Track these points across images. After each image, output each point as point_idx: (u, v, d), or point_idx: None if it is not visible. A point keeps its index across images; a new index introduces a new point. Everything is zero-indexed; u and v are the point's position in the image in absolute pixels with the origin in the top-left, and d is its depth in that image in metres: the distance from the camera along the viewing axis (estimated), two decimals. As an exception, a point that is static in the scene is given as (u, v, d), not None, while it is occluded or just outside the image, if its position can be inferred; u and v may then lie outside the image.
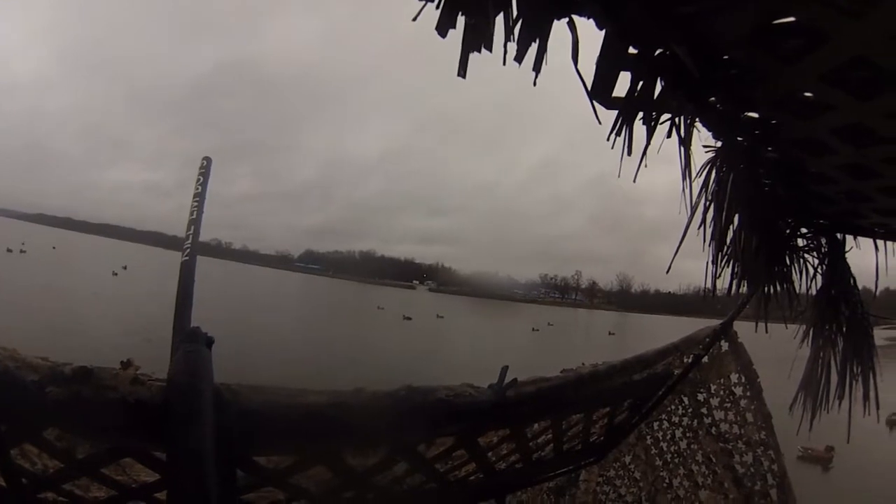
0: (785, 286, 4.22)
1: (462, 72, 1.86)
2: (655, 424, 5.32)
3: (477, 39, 1.84)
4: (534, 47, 1.87)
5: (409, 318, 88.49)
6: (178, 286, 1.89)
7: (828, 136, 2.32)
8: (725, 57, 1.96)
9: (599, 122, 2.00)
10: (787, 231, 4.06)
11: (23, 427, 1.98)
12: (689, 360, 4.76)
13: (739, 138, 2.71)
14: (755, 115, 2.42)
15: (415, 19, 1.77)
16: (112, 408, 1.88)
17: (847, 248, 4.19)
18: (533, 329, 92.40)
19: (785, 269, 4.19)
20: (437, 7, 1.78)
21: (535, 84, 1.93)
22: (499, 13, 1.80)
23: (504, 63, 1.86)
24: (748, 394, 4.78)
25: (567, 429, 4.09)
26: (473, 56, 1.90)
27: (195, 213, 2.06)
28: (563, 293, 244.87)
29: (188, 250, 1.98)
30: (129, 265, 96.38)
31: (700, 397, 4.98)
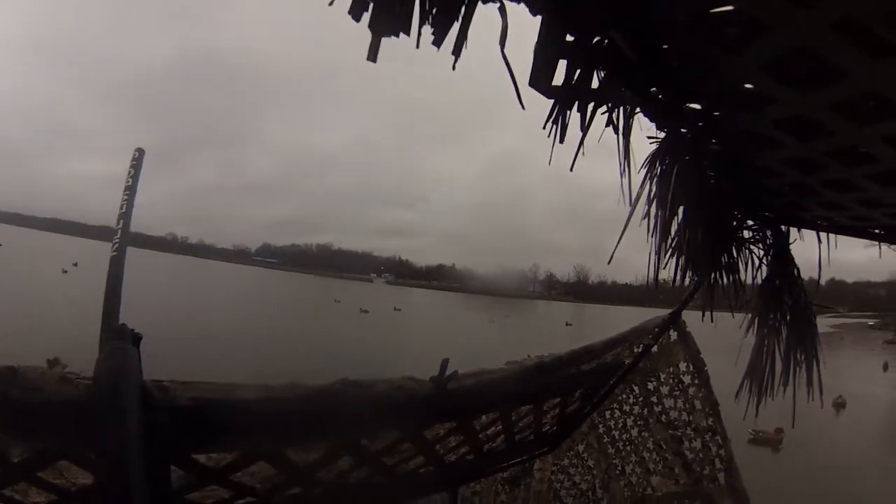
0: (731, 277, 4.31)
1: (372, 56, 1.77)
2: (607, 413, 5.40)
3: (389, 23, 1.76)
4: (454, 32, 1.80)
5: (367, 311, 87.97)
6: (107, 282, 1.82)
7: (771, 128, 2.33)
8: (665, 46, 1.93)
9: (523, 108, 1.94)
10: (734, 223, 4.14)
11: None
12: (639, 350, 4.84)
13: (683, 130, 2.70)
14: (698, 106, 2.40)
15: (331, 3, 1.71)
16: (39, 408, 1.83)
17: (791, 241, 4.29)
18: (490, 321, 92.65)
19: (731, 260, 4.27)
20: None
21: (454, 68, 1.85)
22: None
23: (417, 46, 1.78)
24: (696, 382, 4.88)
25: (517, 420, 4.11)
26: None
27: (125, 206, 1.99)
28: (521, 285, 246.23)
29: (117, 245, 1.92)
30: (80, 262, 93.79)
31: (650, 386, 5.07)
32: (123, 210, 1.93)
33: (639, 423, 5.21)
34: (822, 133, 2.27)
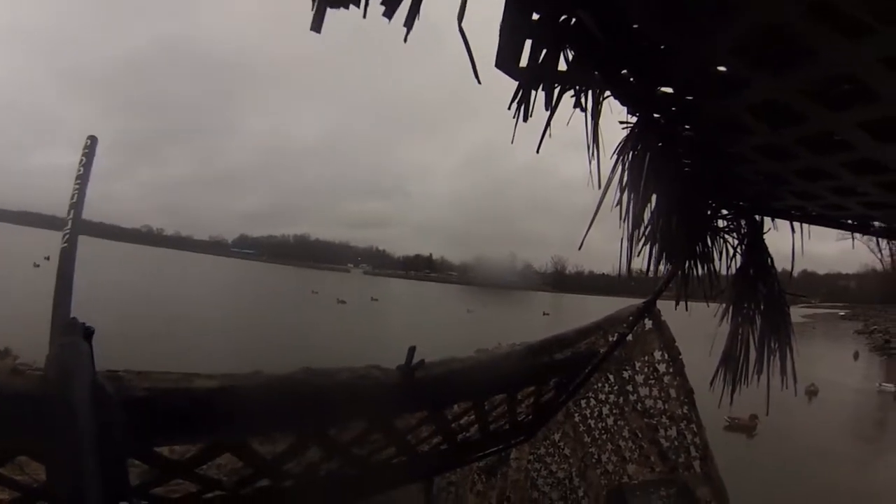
0: (705, 266, 4.31)
1: (316, 27, 1.69)
2: (583, 402, 5.41)
3: None
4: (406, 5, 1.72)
5: (344, 302, 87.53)
6: (57, 275, 1.73)
7: (743, 113, 2.29)
8: (635, 27, 1.89)
9: (479, 82, 1.87)
10: (708, 212, 4.14)
11: None
12: (614, 339, 4.84)
13: (655, 115, 2.67)
14: (670, 90, 2.36)
15: None
16: None
17: (766, 230, 4.30)
18: (468, 311, 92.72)
19: (705, 249, 4.28)
20: None
21: (405, 41, 1.77)
22: None
23: (364, 16, 1.70)
24: (671, 370, 4.89)
25: (491, 409, 4.13)
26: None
27: (76, 195, 1.90)
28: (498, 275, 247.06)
29: (67, 237, 1.83)
30: (52, 255, 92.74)
31: (625, 374, 5.08)
32: (74, 200, 1.84)
33: (614, 411, 5.23)
34: (795, 119, 2.24)
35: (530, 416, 4.83)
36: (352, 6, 1.72)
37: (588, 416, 5.41)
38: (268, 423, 2.59)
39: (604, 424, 5.32)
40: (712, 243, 4.33)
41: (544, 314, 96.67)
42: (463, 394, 3.56)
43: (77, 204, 1.81)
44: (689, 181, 3.50)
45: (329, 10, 1.71)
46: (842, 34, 1.60)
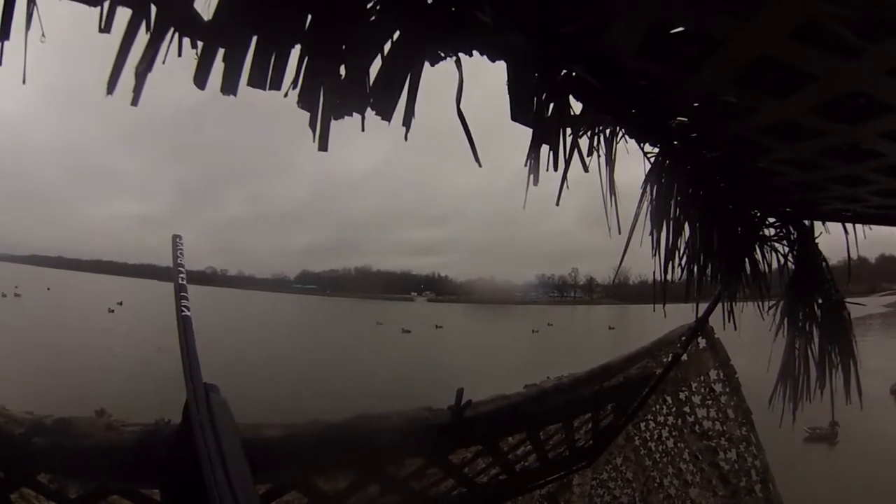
0: (756, 277, 4.20)
1: (323, 146, 1.80)
2: (642, 425, 5.32)
3: (342, 107, 1.79)
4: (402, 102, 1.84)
5: (408, 331, 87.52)
6: (182, 342, 1.88)
7: (758, 135, 2.32)
8: (629, 70, 1.95)
9: (480, 165, 2.01)
10: (753, 222, 4.04)
11: (17, 473, 2.24)
12: (668, 360, 4.76)
13: (675, 142, 2.71)
14: (684, 119, 2.42)
15: (286, 95, 1.74)
16: (90, 453, 2.13)
17: (817, 234, 4.17)
18: (533, 331, 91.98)
19: (755, 260, 4.17)
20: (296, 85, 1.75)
21: (405, 139, 1.89)
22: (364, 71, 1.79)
23: (363, 129, 1.82)
24: (727, 390, 4.80)
25: (547, 438, 4.14)
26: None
27: (183, 282, 2.10)
28: (562, 291, 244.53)
29: (186, 305, 2.01)
30: (124, 300, 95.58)
31: (682, 396, 4.98)
32: (181, 282, 2.06)
33: (673, 433, 5.12)
34: (814, 134, 2.26)
35: (590, 442, 4.80)
36: (356, 115, 1.82)
37: (648, 438, 5.31)
38: (327, 465, 2.84)
39: (664, 447, 5.21)
40: (762, 253, 4.20)
41: (610, 328, 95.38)
42: (514, 426, 3.64)
43: (183, 286, 2.02)
44: (726, 195, 3.49)
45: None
46: (836, 55, 1.65)
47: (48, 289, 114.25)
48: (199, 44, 1.61)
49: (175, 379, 1.85)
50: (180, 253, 2.37)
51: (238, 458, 1.55)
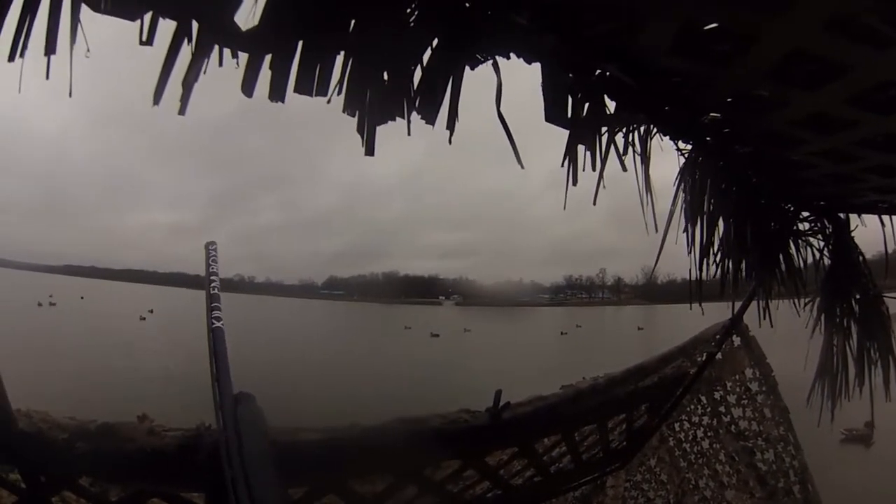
0: (791, 273, 4.12)
1: (370, 150, 1.85)
2: (676, 426, 5.25)
3: (383, 112, 1.83)
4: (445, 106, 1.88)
5: (437, 335, 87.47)
6: (213, 354, 1.96)
7: (791, 128, 2.31)
8: (663, 68, 1.95)
9: (522, 167, 2.09)
10: (787, 216, 3.97)
11: (59, 477, 2.33)
12: (703, 359, 4.70)
13: (707, 139, 2.71)
14: (717, 115, 2.42)
15: (329, 101, 1.78)
16: (132, 457, 2.21)
17: (853, 227, 4.09)
18: (561, 333, 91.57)
19: (789, 255, 4.09)
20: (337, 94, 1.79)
21: (449, 143, 1.93)
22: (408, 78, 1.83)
23: (409, 133, 1.85)
24: (764, 389, 4.73)
25: (582, 439, 4.14)
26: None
27: (215, 289, 2.20)
28: (590, 292, 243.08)
29: (217, 315, 2.07)
30: (155, 308, 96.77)
31: (717, 395, 4.91)
32: (214, 292, 2.15)
33: (709, 434, 5.04)
34: (846, 126, 2.25)
35: (624, 443, 4.75)
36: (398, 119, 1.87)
37: (683, 439, 5.24)
38: (365, 468, 2.86)
39: (699, 448, 5.14)
40: (796, 248, 4.12)
41: (639, 329, 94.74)
42: (551, 427, 3.65)
43: (216, 296, 2.10)
44: (759, 190, 3.46)
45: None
46: (869, 45, 1.65)
47: (82, 298, 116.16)
48: (240, 53, 1.65)
49: (209, 385, 1.88)
50: (213, 261, 2.45)
51: (265, 468, 1.58)
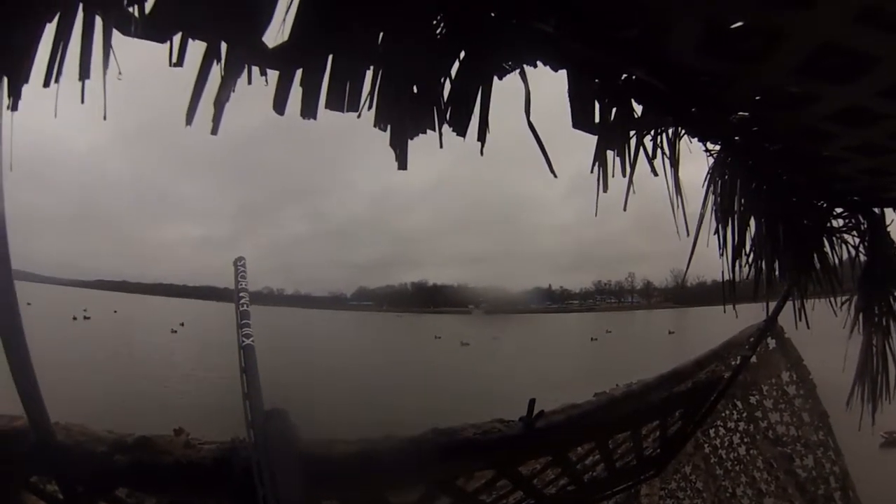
0: (826, 271, 4.02)
1: (403, 164, 1.86)
2: (711, 432, 5.14)
3: (413, 126, 1.85)
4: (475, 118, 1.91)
5: (467, 344, 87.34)
6: (245, 369, 2.06)
7: (823, 123, 2.27)
8: (691, 69, 1.96)
9: (555, 176, 2.12)
10: (820, 213, 3.87)
11: (96, 488, 2.37)
12: (737, 363, 4.58)
13: (735, 138, 2.68)
14: (745, 114, 2.40)
15: (359, 116, 1.80)
16: (169, 469, 2.29)
17: (889, 222, 3.97)
18: (591, 339, 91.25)
19: (823, 253, 3.99)
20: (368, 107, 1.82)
21: (481, 154, 1.94)
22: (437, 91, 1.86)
23: (441, 146, 1.86)
24: (801, 392, 4.62)
25: (615, 447, 4.07)
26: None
27: (244, 305, 2.29)
28: (619, 297, 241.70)
29: (247, 333, 2.17)
30: (185, 321, 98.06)
31: (753, 400, 4.80)
32: (244, 309, 2.24)
33: (745, 440, 4.92)
34: (880, 118, 2.21)
35: (658, 450, 4.64)
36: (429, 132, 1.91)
37: (718, 446, 5.12)
38: (399, 479, 2.88)
39: (735, 455, 5.01)
40: (831, 245, 4.01)
41: (670, 333, 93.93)
42: (585, 435, 3.63)
43: (245, 313, 2.20)
44: (790, 188, 3.40)
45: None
46: None
47: (115, 311, 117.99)
48: (268, 71, 1.68)
49: (241, 397, 1.98)
50: (242, 277, 2.51)
51: (296, 485, 1.69)
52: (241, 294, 2.40)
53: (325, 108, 1.72)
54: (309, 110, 1.71)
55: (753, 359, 4.64)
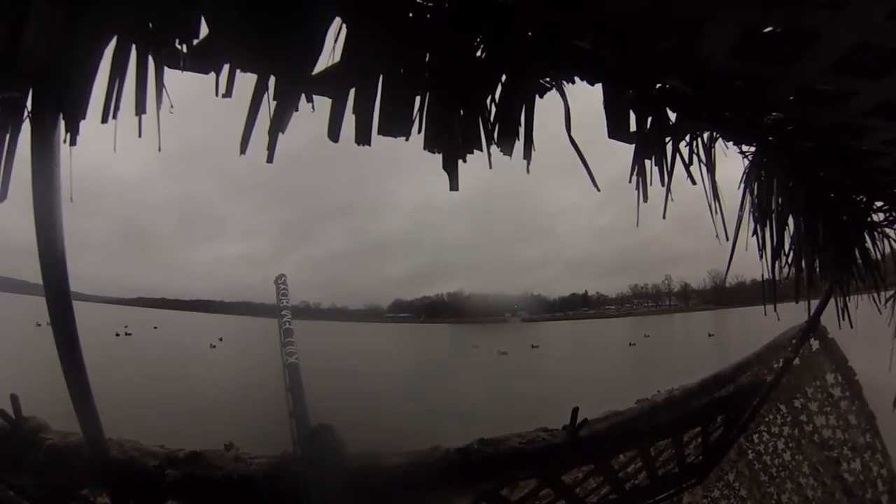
0: (868, 267, 3.92)
1: (455, 186, 1.90)
2: (755, 437, 5.01)
3: (463, 148, 1.90)
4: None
5: (505, 353, 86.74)
6: (291, 387, 2.26)
7: (859, 118, 2.27)
8: (724, 74, 1.99)
9: (598, 189, 2.23)
10: (860, 208, 3.78)
11: (148, 501, 2.40)
12: (779, 366, 4.49)
13: (770, 139, 2.68)
14: (780, 115, 2.40)
15: (407, 139, 1.86)
16: (220, 484, 2.35)
17: None
18: (630, 344, 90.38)
19: (865, 249, 3.90)
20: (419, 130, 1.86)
21: (527, 172, 1.99)
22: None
23: (490, 167, 1.92)
24: (847, 394, 4.48)
25: (657, 454, 4.01)
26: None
27: (287, 323, 2.43)
28: (656, 300, 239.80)
29: (291, 351, 2.38)
30: (224, 336, 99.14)
31: (797, 403, 4.67)
32: (287, 327, 2.39)
33: (790, 445, 4.78)
34: None
35: (700, 457, 4.56)
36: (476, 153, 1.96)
37: (762, 452, 4.98)
38: (447, 491, 2.92)
39: (780, 461, 4.87)
40: (872, 241, 3.93)
41: (709, 335, 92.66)
42: (627, 443, 3.61)
43: (289, 330, 2.34)
44: (828, 184, 3.37)
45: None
46: None
47: (155, 328, 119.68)
48: (318, 99, 1.75)
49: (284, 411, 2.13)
50: (283, 294, 2.60)
51: (342, 496, 1.85)
52: (284, 312, 2.48)
53: (378, 134, 1.77)
54: (363, 136, 1.76)
55: (796, 361, 4.52)
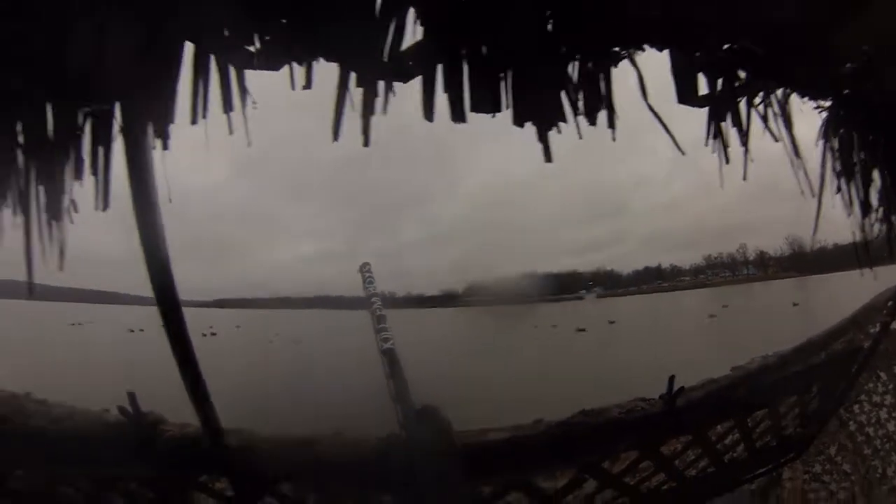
0: None
1: (548, 157, 1.96)
2: (856, 408, 4.85)
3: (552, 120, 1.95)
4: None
5: (583, 330, 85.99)
6: (391, 373, 2.37)
7: None
8: (789, 27, 1.99)
9: (682, 153, 2.26)
10: None
11: (261, 484, 2.58)
12: (877, 330, 4.30)
13: (846, 91, 2.67)
14: (855, 65, 2.39)
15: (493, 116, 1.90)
16: (331, 466, 2.48)
17: None
18: (709, 315, 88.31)
19: None
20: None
21: (613, 140, 2.05)
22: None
23: (580, 137, 1.99)
24: (953, 358, 4.29)
25: (754, 426, 3.92)
26: None
27: (378, 310, 2.55)
28: (733, 270, 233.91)
29: (386, 337, 2.50)
30: (305, 330, 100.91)
31: (897, 370, 4.50)
32: (379, 313, 2.49)
33: (894, 415, 4.61)
34: None
35: (798, 429, 4.39)
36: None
37: (865, 423, 4.79)
38: (549, 464, 3.05)
39: (884, 431, 4.67)
40: None
41: (794, 304, 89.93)
42: (724, 413, 3.60)
43: (382, 317, 2.44)
44: None
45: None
46: None
47: (237, 326, 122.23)
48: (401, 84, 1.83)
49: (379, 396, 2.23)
50: (369, 282, 2.74)
51: (450, 474, 1.91)
52: (374, 299, 2.61)
53: (471, 111, 1.84)
54: (458, 114, 1.83)
55: (894, 325, 4.35)
